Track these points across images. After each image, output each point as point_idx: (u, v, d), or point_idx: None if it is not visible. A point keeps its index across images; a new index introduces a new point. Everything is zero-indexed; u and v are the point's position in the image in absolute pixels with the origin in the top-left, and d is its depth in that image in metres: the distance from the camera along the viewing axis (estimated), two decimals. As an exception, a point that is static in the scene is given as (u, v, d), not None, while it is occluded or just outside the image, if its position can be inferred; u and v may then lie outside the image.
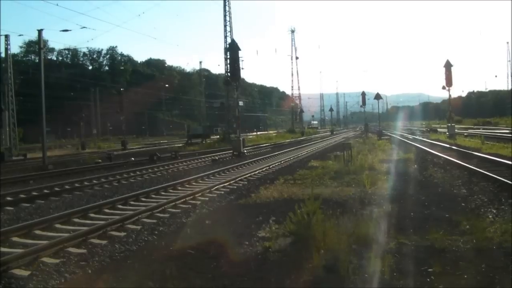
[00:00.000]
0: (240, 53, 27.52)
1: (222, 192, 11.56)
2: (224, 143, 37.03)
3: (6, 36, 30.72)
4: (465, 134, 34.85)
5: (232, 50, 27.92)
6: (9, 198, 11.16)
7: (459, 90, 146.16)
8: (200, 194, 11.00)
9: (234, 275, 4.98)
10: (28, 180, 15.60)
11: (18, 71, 47.96)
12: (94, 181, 14.31)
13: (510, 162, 13.05)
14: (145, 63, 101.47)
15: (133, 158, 23.10)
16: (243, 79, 77.39)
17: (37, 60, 30.34)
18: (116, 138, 53.16)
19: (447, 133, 34.80)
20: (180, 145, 40.13)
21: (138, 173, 16.59)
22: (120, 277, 5.23)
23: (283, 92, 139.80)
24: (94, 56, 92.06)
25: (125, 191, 12.23)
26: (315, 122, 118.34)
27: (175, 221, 8.31)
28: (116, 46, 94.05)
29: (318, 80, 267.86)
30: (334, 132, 70.75)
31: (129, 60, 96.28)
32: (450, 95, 37.97)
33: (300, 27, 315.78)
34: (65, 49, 79.47)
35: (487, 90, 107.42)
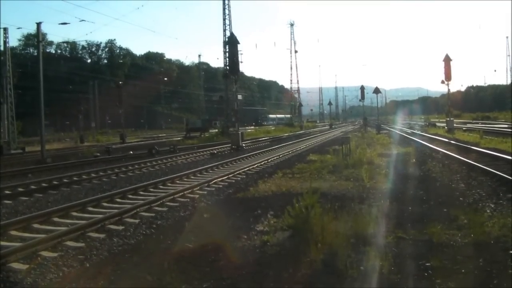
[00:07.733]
0: (239, 47, 27.53)
1: (221, 186, 11.56)
2: (222, 137, 36.97)
3: (5, 29, 30.49)
4: (464, 128, 34.88)
5: (231, 44, 27.84)
6: (7, 192, 11.15)
7: (458, 84, 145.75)
8: (198, 187, 11.00)
9: (232, 269, 4.98)
10: (27, 173, 15.58)
11: (16, 64, 47.65)
12: (93, 175, 14.30)
13: (508, 157, 13.06)
14: (144, 56, 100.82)
15: (131, 152, 23.08)
16: (242, 72, 77.03)
17: (36, 53, 30.16)
18: (114, 132, 53.07)
19: (446, 127, 34.84)
20: (179, 138, 40.06)
21: (136, 166, 16.57)
22: (118, 270, 5.23)
23: (282, 86, 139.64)
24: (93, 49, 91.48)
25: (123, 184, 12.23)
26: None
27: (173, 214, 8.32)
28: (115, 39, 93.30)
29: (317, 74, 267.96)
30: (333, 126, 70.75)
31: (128, 53, 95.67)
32: (449, 90, 38.07)
33: (300, 21, 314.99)
34: (63, 42, 78.74)
35: (486, 85, 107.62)
